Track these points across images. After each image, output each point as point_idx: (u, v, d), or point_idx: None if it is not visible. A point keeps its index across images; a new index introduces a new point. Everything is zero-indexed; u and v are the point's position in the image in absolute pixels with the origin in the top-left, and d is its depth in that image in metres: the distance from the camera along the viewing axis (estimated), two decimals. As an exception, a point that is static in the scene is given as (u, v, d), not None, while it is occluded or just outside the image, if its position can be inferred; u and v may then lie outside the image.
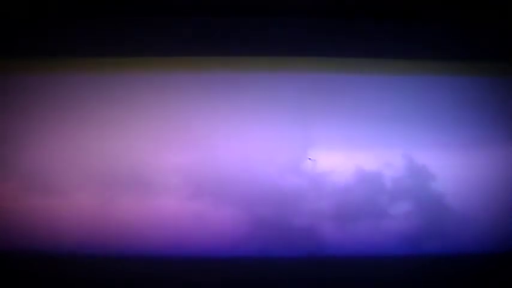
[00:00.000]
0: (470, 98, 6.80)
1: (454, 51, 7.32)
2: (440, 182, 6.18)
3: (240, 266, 4.89)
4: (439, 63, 7.27)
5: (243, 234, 5.24)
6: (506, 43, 7.02)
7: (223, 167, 5.87)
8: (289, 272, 4.92)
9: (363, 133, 6.43)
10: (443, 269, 4.80)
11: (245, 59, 7.33)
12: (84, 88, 6.69)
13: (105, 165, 5.90)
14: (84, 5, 6.62)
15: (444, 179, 6.19)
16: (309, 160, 6.50)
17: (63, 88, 6.42)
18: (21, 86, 6.59)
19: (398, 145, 6.23)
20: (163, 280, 4.71)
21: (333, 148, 6.31)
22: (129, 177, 5.88)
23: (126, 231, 5.23)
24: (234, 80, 6.55)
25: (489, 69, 7.18)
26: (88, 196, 5.38)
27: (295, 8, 6.87)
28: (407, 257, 4.82)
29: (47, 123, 6.42)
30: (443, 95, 6.81)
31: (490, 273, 4.79)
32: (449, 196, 6.02)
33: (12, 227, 5.15)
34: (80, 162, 6.05)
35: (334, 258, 4.84)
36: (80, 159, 6.18)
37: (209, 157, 6.04)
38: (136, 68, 6.81)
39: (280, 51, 7.30)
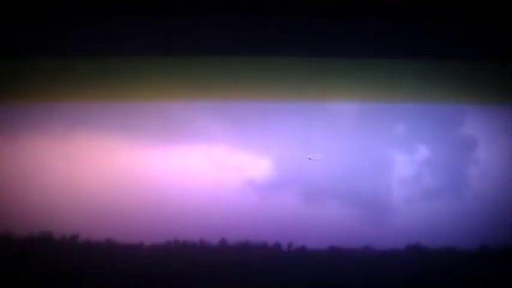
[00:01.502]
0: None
1: (454, 51, 7.33)
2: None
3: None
4: (439, 62, 7.28)
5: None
6: (506, 43, 7.02)
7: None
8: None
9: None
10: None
11: (245, 60, 7.34)
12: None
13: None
14: (84, 5, 6.63)
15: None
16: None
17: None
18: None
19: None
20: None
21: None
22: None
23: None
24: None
25: (489, 69, 7.18)
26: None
27: (295, 8, 6.88)
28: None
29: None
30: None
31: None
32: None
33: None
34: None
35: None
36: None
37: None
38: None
39: (280, 51, 7.31)
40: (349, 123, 6.62)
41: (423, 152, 6.15)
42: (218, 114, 6.55)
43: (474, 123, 6.71)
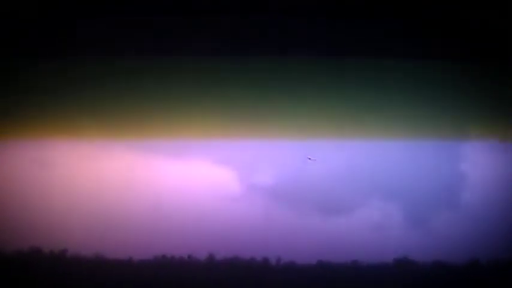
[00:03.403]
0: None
1: (454, 51, 7.33)
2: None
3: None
4: (439, 62, 7.30)
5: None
6: (506, 43, 7.02)
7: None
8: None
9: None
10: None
11: (245, 59, 7.35)
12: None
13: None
14: (84, 5, 6.63)
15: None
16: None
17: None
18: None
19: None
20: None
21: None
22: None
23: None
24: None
25: (488, 69, 7.20)
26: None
27: (295, 8, 6.88)
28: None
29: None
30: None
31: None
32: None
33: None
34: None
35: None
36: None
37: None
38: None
39: (280, 51, 7.31)
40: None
41: (414, 168, 6.16)
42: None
43: (467, 145, 6.72)
